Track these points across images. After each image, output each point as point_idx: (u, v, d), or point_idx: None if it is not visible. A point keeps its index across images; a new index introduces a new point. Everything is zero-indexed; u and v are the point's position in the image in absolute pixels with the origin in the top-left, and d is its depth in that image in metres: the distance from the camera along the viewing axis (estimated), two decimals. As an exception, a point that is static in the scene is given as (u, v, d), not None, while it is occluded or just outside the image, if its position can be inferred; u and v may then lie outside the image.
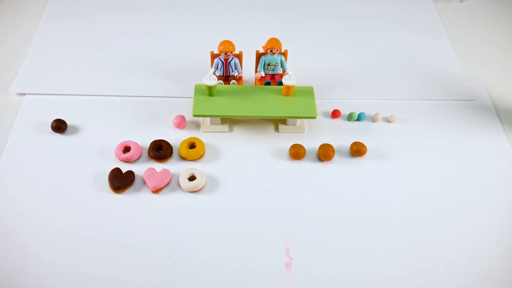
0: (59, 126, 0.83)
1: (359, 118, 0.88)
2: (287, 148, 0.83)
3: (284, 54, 0.88)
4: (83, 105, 0.89)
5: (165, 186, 0.77)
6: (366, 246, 0.71)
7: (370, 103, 0.92)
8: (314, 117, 0.82)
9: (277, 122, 0.87)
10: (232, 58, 0.87)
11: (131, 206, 0.74)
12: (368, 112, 0.90)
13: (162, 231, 0.71)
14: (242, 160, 0.81)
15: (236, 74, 0.89)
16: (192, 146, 0.82)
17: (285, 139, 0.85)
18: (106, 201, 0.75)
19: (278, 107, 0.83)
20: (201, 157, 0.81)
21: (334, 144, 0.84)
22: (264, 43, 0.87)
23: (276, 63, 0.88)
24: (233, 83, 0.89)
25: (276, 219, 0.74)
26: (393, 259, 0.70)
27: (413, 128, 0.88)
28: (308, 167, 0.81)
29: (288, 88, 0.83)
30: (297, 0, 1.17)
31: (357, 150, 0.82)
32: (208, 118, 0.86)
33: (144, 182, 0.77)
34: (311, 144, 0.84)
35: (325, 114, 0.90)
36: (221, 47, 0.85)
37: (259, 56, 0.88)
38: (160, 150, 0.81)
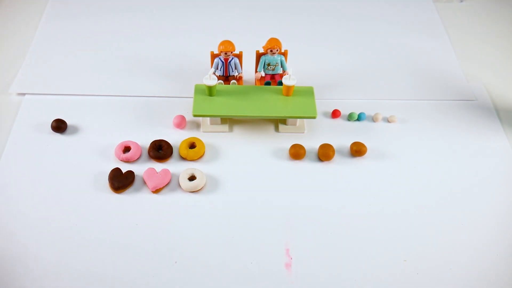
0: (59, 126, 0.83)
1: (359, 118, 0.88)
2: (287, 148, 0.83)
3: (284, 54, 0.88)
4: (83, 105, 0.89)
5: (165, 186, 0.77)
6: (366, 246, 0.71)
7: (370, 103, 0.92)
8: (314, 117, 0.82)
9: (277, 122, 0.87)
10: (232, 58, 0.87)
11: (131, 206, 0.74)
12: (368, 112, 0.90)
13: (162, 231, 0.71)
14: (242, 160, 0.81)
15: (236, 74, 0.89)
16: (192, 146, 0.82)
17: (285, 139, 0.85)
18: (106, 201, 0.75)
19: (278, 107, 0.83)
20: (201, 157, 0.81)
21: (334, 144, 0.84)
22: (264, 43, 0.87)
23: (276, 63, 0.88)
24: (233, 83, 0.89)
25: (276, 219, 0.74)
26: (393, 259, 0.70)
27: (413, 128, 0.88)
28: (308, 167, 0.81)
29: (288, 88, 0.83)
30: (297, 0, 1.17)
31: (357, 150, 0.82)
32: (208, 118, 0.86)
33: (144, 182, 0.77)
34: (311, 144, 0.84)
35: (325, 114, 0.90)
36: (221, 47, 0.85)
37: (259, 56, 0.88)
38: (160, 150, 0.81)
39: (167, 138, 0.83)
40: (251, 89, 0.86)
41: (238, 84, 0.89)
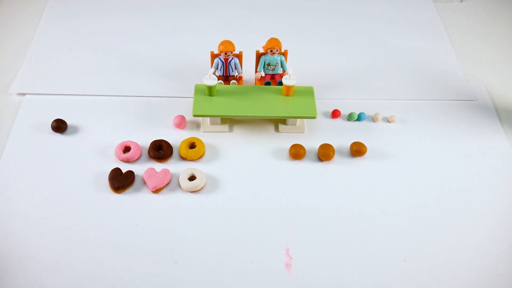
0: (59, 126, 0.83)
1: (359, 118, 0.88)
2: (287, 148, 0.83)
3: (284, 54, 0.88)
4: (83, 105, 0.89)
5: (165, 186, 0.77)
6: (366, 246, 0.71)
7: (370, 103, 0.92)
8: (314, 117, 0.82)
9: (277, 122, 0.87)
10: (232, 58, 0.87)
11: (131, 206, 0.74)
12: (368, 112, 0.90)
13: (162, 231, 0.71)
14: (242, 160, 0.81)
15: (236, 74, 0.89)
16: (192, 146, 0.82)
17: (285, 139, 0.85)
18: (106, 201, 0.75)
19: (278, 107, 0.83)
20: (201, 157, 0.81)
21: (334, 144, 0.84)
22: (264, 43, 0.87)
23: (276, 63, 0.88)
24: (233, 83, 0.89)
25: (276, 219, 0.74)
26: (393, 259, 0.70)
27: (413, 128, 0.88)
28: (308, 167, 0.81)
29: (288, 88, 0.83)
30: (297, 0, 1.17)
31: (357, 150, 0.82)
32: (208, 118, 0.86)
33: (144, 182, 0.77)
34: (311, 144, 0.84)
35: (325, 114, 0.90)
36: (221, 47, 0.85)
37: (259, 56, 0.88)
38: (160, 150, 0.81)
39: (167, 138, 0.83)
40: (251, 89, 0.86)
41: (238, 84, 0.89)
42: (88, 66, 0.97)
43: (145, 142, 0.83)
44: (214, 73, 0.86)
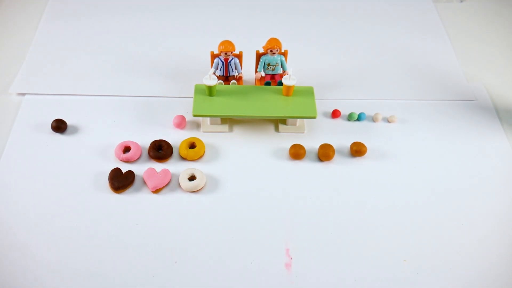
0: (59, 126, 0.83)
1: (359, 118, 0.88)
2: (287, 148, 0.83)
3: (284, 54, 0.88)
4: (83, 105, 0.89)
5: (165, 186, 0.77)
6: (366, 246, 0.71)
7: (370, 103, 0.92)
8: (314, 117, 0.82)
9: (277, 122, 0.87)
10: (232, 58, 0.87)
11: (131, 206, 0.74)
12: (368, 112, 0.90)
13: (162, 231, 0.71)
14: (242, 160, 0.81)
15: (236, 74, 0.89)
16: (192, 146, 0.82)
17: (285, 139, 0.85)
18: (106, 201, 0.75)
19: (278, 107, 0.83)
20: (201, 157, 0.81)
21: (334, 144, 0.84)
22: (264, 43, 0.87)
23: (276, 63, 0.88)
24: (233, 83, 0.89)
25: (276, 219, 0.74)
26: (393, 259, 0.70)
27: (413, 128, 0.88)
28: (308, 167, 0.81)
29: (288, 88, 0.83)
30: (297, 0, 1.17)
31: (357, 150, 0.82)
32: (208, 118, 0.86)
33: (144, 182, 0.77)
34: (311, 144, 0.84)
35: (325, 114, 0.90)
36: (221, 47, 0.85)
37: (259, 56, 0.88)
38: (160, 150, 0.81)
39: (167, 138, 0.83)
40: (251, 89, 0.86)
41: (238, 84, 0.89)
42: (88, 66, 0.97)
43: (145, 142, 0.83)
44: (214, 73, 0.86)
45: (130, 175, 0.77)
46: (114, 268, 0.67)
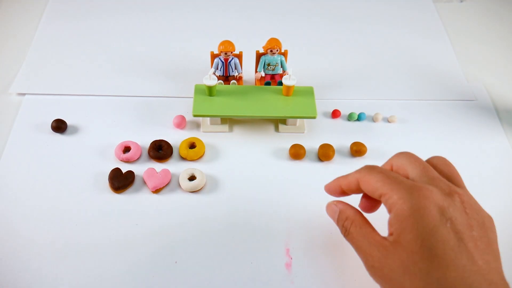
0: (59, 126, 0.83)
1: (359, 118, 0.88)
2: (287, 148, 0.83)
3: (284, 54, 0.88)
4: (83, 105, 0.89)
5: (165, 186, 0.77)
6: (366, 246, 0.71)
7: (370, 103, 0.92)
8: (314, 117, 0.82)
9: (277, 122, 0.87)
10: (232, 58, 0.87)
11: (131, 206, 0.74)
12: (368, 112, 0.90)
13: (162, 231, 0.71)
14: (242, 160, 0.81)
15: (236, 74, 0.89)
16: (192, 146, 0.82)
17: (285, 139, 0.85)
18: (106, 201, 0.75)
19: (278, 107, 0.83)
20: (201, 157, 0.81)
21: (334, 144, 0.84)
22: (264, 43, 0.87)
23: (276, 63, 0.88)
24: (233, 83, 0.89)
25: (276, 219, 0.74)
26: (393, 259, 0.70)
27: (413, 128, 0.88)
28: (308, 167, 0.81)
29: (288, 88, 0.83)
30: (297, 0, 1.17)
31: (357, 150, 0.82)
32: (208, 118, 0.86)
33: (144, 182, 0.77)
34: (311, 144, 0.84)
35: (325, 114, 0.90)
36: (221, 47, 0.85)
37: (259, 56, 0.88)
38: (160, 150, 0.81)
39: (167, 138, 0.83)
40: (251, 89, 0.86)
41: (238, 84, 0.89)
42: (88, 66, 0.97)
43: (145, 142, 0.83)
44: (214, 73, 0.86)
45: (130, 175, 0.77)
46: (114, 268, 0.67)
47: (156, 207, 0.74)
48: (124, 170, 0.77)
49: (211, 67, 0.87)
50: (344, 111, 0.90)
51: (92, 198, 0.75)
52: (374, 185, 0.57)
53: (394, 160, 0.62)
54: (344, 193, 0.64)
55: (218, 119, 0.85)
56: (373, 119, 0.89)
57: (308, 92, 0.85)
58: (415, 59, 1.03)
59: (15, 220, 0.72)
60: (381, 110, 0.90)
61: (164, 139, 0.82)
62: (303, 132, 0.86)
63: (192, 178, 0.77)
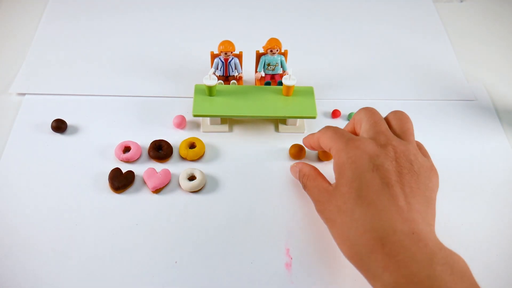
0: (59, 126, 0.83)
1: (359, 118, 0.88)
2: (287, 148, 0.83)
3: (284, 54, 0.88)
4: (83, 105, 0.89)
5: (165, 186, 0.77)
6: (366, 246, 0.71)
7: (370, 103, 0.92)
8: (314, 117, 0.82)
9: (277, 122, 0.87)
10: (232, 58, 0.87)
11: (131, 206, 0.74)
12: (368, 112, 0.90)
13: (162, 231, 0.71)
14: (242, 160, 0.81)
15: (236, 74, 0.89)
16: (192, 146, 0.82)
17: (285, 139, 0.85)
18: (106, 201, 0.75)
19: (278, 107, 0.83)
20: (201, 157, 0.81)
21: (334, 144, 0.84)
22: (264, 43, 0.87)
23: (276, 63, 0.88)
24: (233, 83, 0.89)
25: (276, 219, 0.74)
26: (393, 259, 0.70)
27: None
28: (308, 167, 0.81)
29: (288, 88, 0.83)
30: (297, 1, 1.17)
31: (357, 150, 0.82)
32: (208, 118, 0.86)
33: (144, 182, 0.77)
34: (311, 144, 0.84)
35: (325, 114, 0.90)
36: (221, 47, 0.85)
37: (259, 56, 0.88)
38: (160, 150, 0.81)
39: (167, 138, 0.83)
40: (251, 89, 0.86)
41: (238, 84, 0.89)
42: (88, 66, 0.97)
43: (145, 142, 0.83)
44: (214, 73, 0.86)
45: (130, 175, 0.77)
46: (114, 268, 0.67)
47: (156, 207, 0.74)
48: (124, 170, 0.77)
49: (211, 67, 0.87)
50: (344, 111, 0.90)
51: (92, 198, 0.75)
52: (325, 141, 0.68)
53: (356, 114, 0.72)
54: (313, 148, 0.76)
55: (218, 119, 0.85)
56: (373, 119, 0.89)
57: (308, 92, 0.85)
58: (415, 59, 1.03)
59: (15, 220, 0.72)
60: (381, 110, 0.90)
61: (164, 139, 0.82)
62: (303, 132, 0.86)
63: (192, 178, 0.77)
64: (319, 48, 1.04)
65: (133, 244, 0.70)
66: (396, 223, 0.56)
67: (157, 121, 0.87)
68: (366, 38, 1.08)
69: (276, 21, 1.11)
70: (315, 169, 0.72)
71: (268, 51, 0.86)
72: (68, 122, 0.85)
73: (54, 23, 1.07)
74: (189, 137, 0.83)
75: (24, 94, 0.90)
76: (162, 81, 0.94)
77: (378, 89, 0.95)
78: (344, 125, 0.88)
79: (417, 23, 1.13)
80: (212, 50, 0.87)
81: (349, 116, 0.88)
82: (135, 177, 0.78)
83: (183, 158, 0.81)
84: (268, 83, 0.90)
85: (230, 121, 0.87)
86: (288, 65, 0.89)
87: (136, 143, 0.81)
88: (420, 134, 0.87)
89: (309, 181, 0.70)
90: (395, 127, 0.69)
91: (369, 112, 0.70)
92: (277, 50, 0.86)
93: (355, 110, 0.89)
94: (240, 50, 0.88)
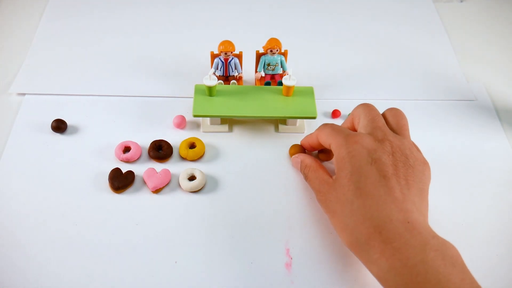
0: (59, 126, 0.83)
1: (359, 118, 0.88)
2: (287, 148, 0.83)
3: (284, 54, 0.88)
4: (83, 105, 0.89)
5: (165, 186, 0.77)
6: (366, 246, 0.71)
7: (370, 103, 0.92)
8: (314, 117, 0.82)
9: (277, 122, 0.87)
10: (232, 58, 0.87)
11: (131, 206, 0.74)
12: (368, 112, 0.90)
13: (162, 231, 0.71)
14: (242, 160, 0.81)
15: (236, 74, 0.89)
16: (192, 146, 0.82)
17: (285, 139, 0.85)
18: (106, 201, 0.75)
19: (278, 107, 0.83)
20: (201, 157, 0.81)
21: (334, 144, 0.84)
22: (264, 43, 0.87)
23: (276, 63, 0.88)
24: (233, 83, 0.89)
25: (276, 219, 0.74)
26: (393, 259, 0.70)
27: (412, 128, 0.88)
28: (308, 167, 0.81)
29: (288, 88, 0.83)
30: (297, 1, 1.17)
31: (357, 150, 0.82)
32: (208, 118, 0.86)
33: (144, 182, 0.77)
34: (311, 144, 0.84)
35: (325, 114, 0.90)
36: (221, 47, 0.85)
37: (259, 56, 0.88)
38: (160, 150, 0.81)
39: (167, 138, 0.83)
40: (251, 89, 0.86)
41: (238, 84, 0.89)
42: (88, 66, 0.97)
43: (145, 142, 0.83)
44: (214, 73, 0.86)
45: (130, 175, 0.77)
46: (114, 268, 0.67)
47: (156, 207, 0.74)
48: (124, 170, 0.78)
49: (211, 67, 0.87)
50: (344, 111, 0.90)
51: (92, 198, 0.75)
52: (324, 138, 0.71)
53: (354, 110, 0.74)
54: (313, 148, 0.78)
55: (218, 119, 0.85)
56: (373, 119, 0.89)
57: (308, 92, 0.85)
58: (415, 59, 1.03)
59: (15, 220, 0.72)
60: (381, 110, 0.90)
61: (164, 139, 0.82)
62: (303, 132, 0.86)
63: (192, 178, 0.77)
64: (319, 48, 1.04)
65: (133, 244, 0.70)
66: (392, 212, 0.59)
67: (157, 121, 0.87)
68: (366, 38, 1.08)
69: (276, 21, 1.11)
70: (317, 160, 0.75)
71: (268, 51, 0.86)
72: (68, 122, 0.85)
73: (54, 23, 1.07)
74: (189, 137, 0.83)
75: (24, 94, 0.90)
76: (162, 81, 0.94)
77: (378, 89, 0.95)
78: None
79: (417, 23, 1.13)
80: (212, 50, 0.87)
81: (349, 116, 0.88)
82: (135, 177, 0.78)
83: (183, 158, 0.81)
84: (268, 83, 0.90)
85: (230, 121, 0.87)
86: (288, 65, 0.89)
87: (136, 143, 0.81)
88: (420, 134, 0.87)
89: (311, 172, 0.72)
90: (392, 123, 0.72)
91: (367, 108, 0.73)
92: (277, 50, 0.86)
93: (355, 110, 0.90)
94: (240, 50, 0.88)
